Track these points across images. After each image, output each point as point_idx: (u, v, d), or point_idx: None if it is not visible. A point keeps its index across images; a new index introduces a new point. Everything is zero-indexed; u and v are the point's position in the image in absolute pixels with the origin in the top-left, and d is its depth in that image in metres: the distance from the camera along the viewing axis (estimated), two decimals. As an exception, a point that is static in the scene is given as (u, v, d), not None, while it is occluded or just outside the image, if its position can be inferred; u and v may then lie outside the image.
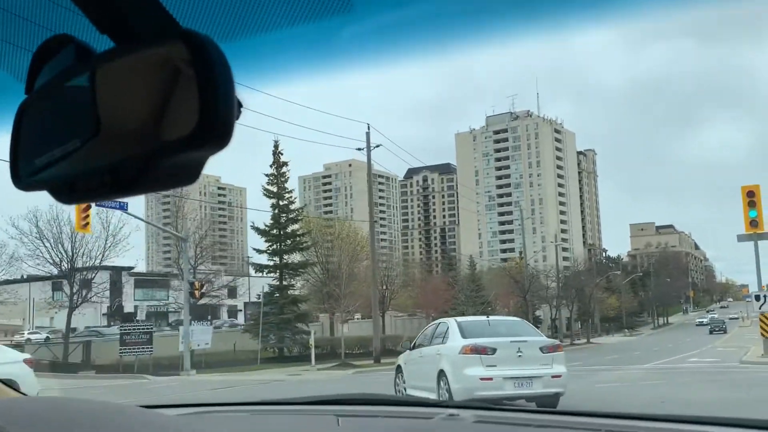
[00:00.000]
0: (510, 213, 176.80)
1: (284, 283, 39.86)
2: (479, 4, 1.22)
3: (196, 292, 29.47)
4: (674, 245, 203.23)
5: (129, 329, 30.33)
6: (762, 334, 27.05)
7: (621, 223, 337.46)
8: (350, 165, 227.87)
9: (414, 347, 13.81)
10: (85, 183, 0.72)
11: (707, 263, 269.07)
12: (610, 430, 1.71)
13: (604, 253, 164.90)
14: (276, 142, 40.16)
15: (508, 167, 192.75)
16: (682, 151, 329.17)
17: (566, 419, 1.86)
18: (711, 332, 72.18)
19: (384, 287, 51.70)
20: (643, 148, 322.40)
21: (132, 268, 54.98)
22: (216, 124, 0.63)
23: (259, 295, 40.95)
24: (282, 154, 40.47)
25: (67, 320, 32.88)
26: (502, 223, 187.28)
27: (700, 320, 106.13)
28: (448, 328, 12.54)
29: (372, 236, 37.91)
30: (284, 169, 40.50)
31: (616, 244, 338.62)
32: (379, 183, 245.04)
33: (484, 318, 14.04)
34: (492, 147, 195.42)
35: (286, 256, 40.42)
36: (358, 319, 61.81)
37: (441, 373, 11.73)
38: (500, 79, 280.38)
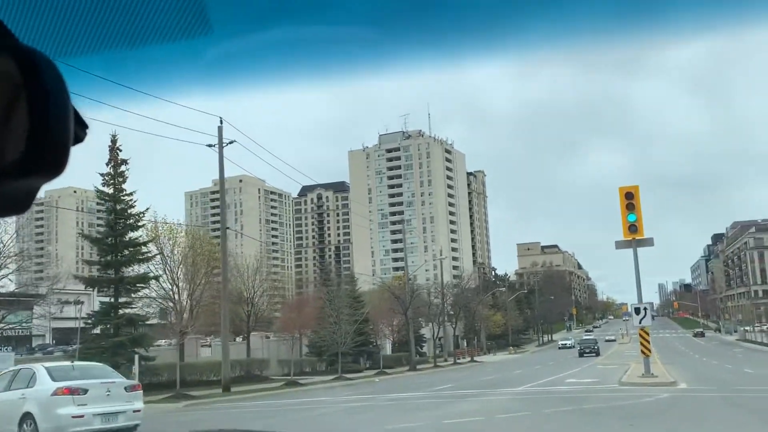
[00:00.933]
0: (401, 231, 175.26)
1: (120, 299, 34.20)
2: (347, 34, 1.31)
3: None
4: (559, 264, 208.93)
5: None
6: (642, 352, 24.49)
7: (509, 243, 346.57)
8: (240, 181, 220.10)
9: None
10: None
11: (590, 282, 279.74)
12: None
13: (493, 272, 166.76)
14: (113, 136, 34.61)
15: (400, 185, 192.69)
16: (567, 175, 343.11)
17: None
18: (581, 355, 61.67)
19: (248, 306, 46.67)
20: (531, 171, 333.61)
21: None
22: (49, 150, 0.56)
23: (89, 314, 34.85)
24: (120, 151, 34.90)
25: None
26: (394, 241, 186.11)
27: (563, 342, 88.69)
28: (34, 373, 13.26)
29: (223, 245, 33.16)
30: (123, 167, 34.94)
31: (505, 263, 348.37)
32: (272, 201, 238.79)
33: (69, 363, 15.20)
34: (385, 165, 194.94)
35: (125, 269, 34.80)
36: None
37: (26, 416, 12.31)
38: (395, 99, 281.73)
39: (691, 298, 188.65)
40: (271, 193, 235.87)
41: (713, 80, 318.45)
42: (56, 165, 0.57)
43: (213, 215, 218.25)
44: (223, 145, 33.42)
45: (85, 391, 12.55)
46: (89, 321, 34.13)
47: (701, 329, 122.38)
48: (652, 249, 25.63)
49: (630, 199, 24.39)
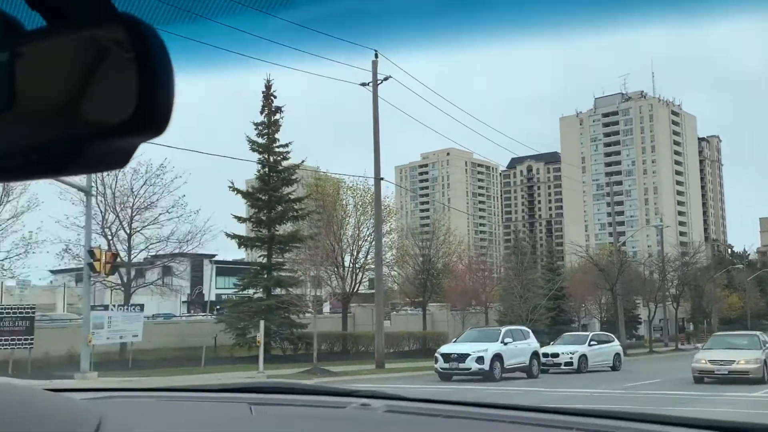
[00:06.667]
0: (621, 203, 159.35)
1: (273, 260, 31.04)
2: None
3: (98, 264, 20.87)
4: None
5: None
6: None
7: (750, 218, 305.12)
8: (448, 154, 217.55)
9: None
10: (9, 161, 0.68)
11: None
12: (514, 421, 1.68)
13: (729, 249, 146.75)
14: (268, 81, 31.29)
15: (618, 153, 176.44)
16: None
17: (477, 410, 1.84)
18: None
19: (425, 275, 41.80)
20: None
21: (214, 255, 53.36)
22: (155, 110, 0.62)
23: (242, 277, 32.04)
24: (275, 97, 31.44)
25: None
26: (610, 214, 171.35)
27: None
28: None
29: (377, 196, 28.35)
30: (278, 116, 31.49)
31: (744, 239, 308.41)
32: (479, 173, 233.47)
33: None
34: (601, 131, 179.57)
35: (278, 226, 31.59)
36: (406, 311, 52.21)
37: None
38: (613, 64, 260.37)
39: None
40: (479, 165, 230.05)
41: None
42: (159, 125, 0.62)
43: (421, 188, 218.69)
44: (378, 82, 28.59)
45: None
46: (239, 283, 31.41)
47: None
48: None
49: None
